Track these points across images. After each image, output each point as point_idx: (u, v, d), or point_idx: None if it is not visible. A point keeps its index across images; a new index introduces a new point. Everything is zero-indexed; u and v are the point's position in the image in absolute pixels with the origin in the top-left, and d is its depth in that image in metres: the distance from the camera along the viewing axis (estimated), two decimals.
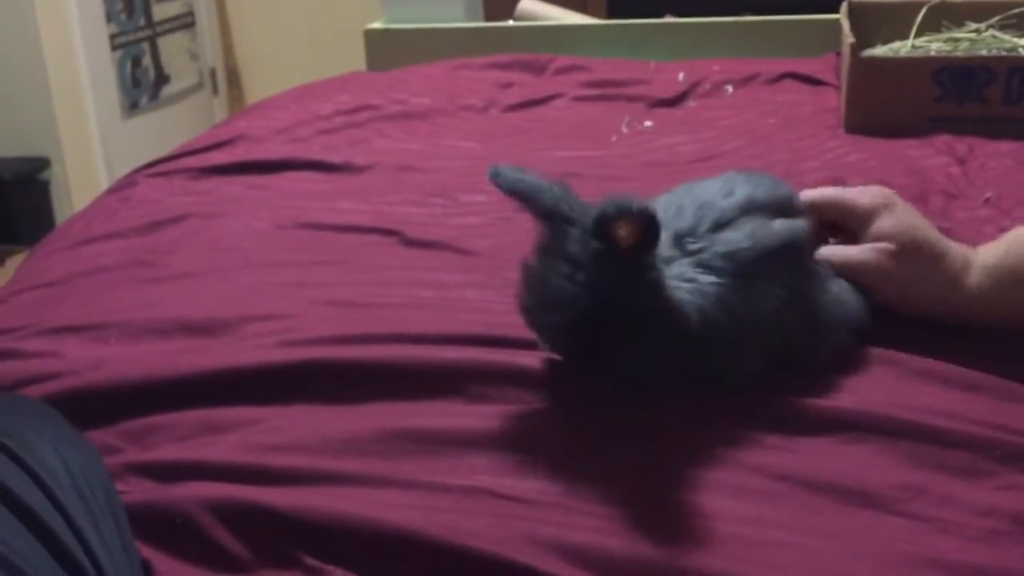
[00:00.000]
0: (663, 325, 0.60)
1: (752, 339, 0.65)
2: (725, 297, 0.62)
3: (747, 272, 0.64)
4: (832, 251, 0.75)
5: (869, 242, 0.73)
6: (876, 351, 0.71)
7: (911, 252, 0.72)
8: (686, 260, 0.64)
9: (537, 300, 0.62)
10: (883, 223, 0.73)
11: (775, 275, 0.66)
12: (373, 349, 0.72)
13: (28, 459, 0.51)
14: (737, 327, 0.63)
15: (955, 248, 0.73)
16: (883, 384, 0.68)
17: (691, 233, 0.65)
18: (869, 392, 0.67)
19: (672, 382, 0.64)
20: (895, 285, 0.72)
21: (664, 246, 0.63)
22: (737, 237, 0.65)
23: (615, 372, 0.63)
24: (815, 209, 0.76)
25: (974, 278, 0.71)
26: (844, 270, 0.73)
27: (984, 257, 0.72)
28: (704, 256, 0.64)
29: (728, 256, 0.64)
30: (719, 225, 0.66)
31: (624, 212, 0.56)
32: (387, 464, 0.61)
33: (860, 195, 0.76)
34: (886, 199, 0.75)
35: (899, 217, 0.73)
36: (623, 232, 0.57)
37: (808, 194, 0.77)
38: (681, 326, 0.60)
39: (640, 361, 0.62)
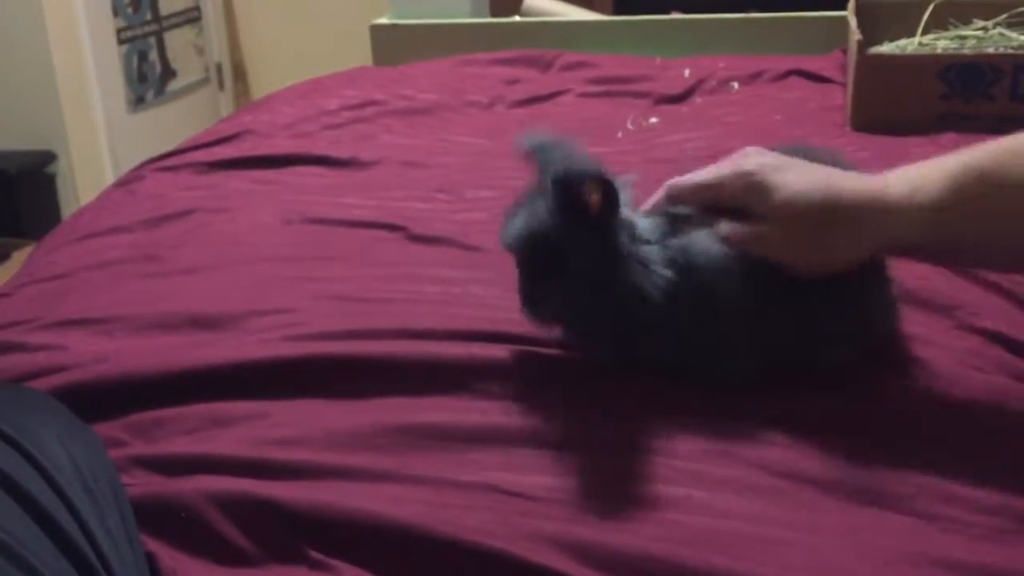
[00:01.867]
0: (610, 290, 0.65)
1: (731, 334, 0.66)
2: (697, 287, 0.65)
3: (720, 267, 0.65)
4: (740, 234, 0.66)
5: (776, 216, 0.65)
6: (880, 352, 0.71)
7: (827, 213, 0.64)
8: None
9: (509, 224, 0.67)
10: (782, 193, 0.65)
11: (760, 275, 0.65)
12: (378, 344, 0.72)
13: (33, 451, 0.52)
14: (703, 317, 0.65)
15: (868, 188, 0.65)
16: (886, 383, 0.68)
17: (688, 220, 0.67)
18: (872, 391, 0.67)
19: (644, 363, 0.67)
20: (817, 253, 0.65)
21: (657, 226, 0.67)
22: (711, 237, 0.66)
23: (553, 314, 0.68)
24: (690, 205, 0.69)
25: (906, 224, 0.64)
26: (746, 249, 0.66)
27: (916, 191, 0.64)
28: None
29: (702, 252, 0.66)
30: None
31: (580, 178, 0.62)
32: (392, 459, 0.61)
33: (731, 175, 0.68)
34: (761, 163, 0.67)
35: (793, 178, 0.65)
36: (588, 195, 0.62)
37: (670, 189, 0.71)
38: (630, 301, 0.64)
39: (577, 315, 0.67)
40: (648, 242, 0.66)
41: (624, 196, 0.65)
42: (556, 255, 0.65)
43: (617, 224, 0.64)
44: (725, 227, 0.67)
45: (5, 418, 0.53)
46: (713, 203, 0.68)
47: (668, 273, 0.64)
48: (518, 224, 0.66)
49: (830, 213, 0.64)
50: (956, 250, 0.67)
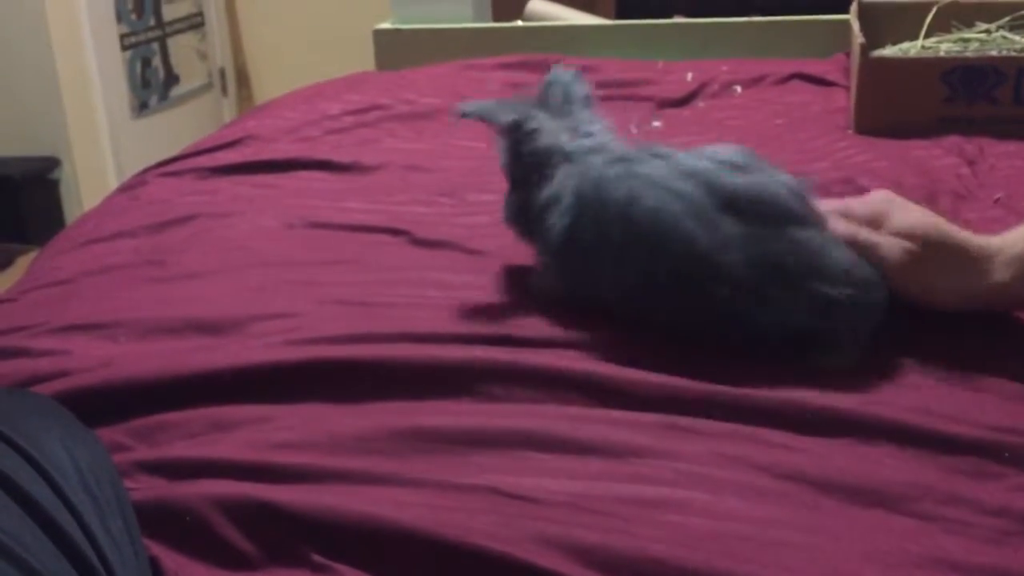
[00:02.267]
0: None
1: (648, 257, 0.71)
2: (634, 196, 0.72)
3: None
4: (865, 235, 0.72)
5: (894, 234, 0.72)
6: (884, 353, 0.71)
7: (935, 247, 0.71)
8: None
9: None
10: (900, 220, 0.72)
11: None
12: (381, 348, 0.72)
13: (36, 455, 0.52)
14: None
15: (975, 239, 0.72)
16: (891, 386, 0.68)
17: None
18: (877, 393, 0.67)
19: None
20: (920, 281, 0.71)
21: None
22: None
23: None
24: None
25: (1000, 268, 0.70)
26: (869, 260, 0.72)
27: (1010, 244, 0.70)
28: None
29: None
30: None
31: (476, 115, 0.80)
32: (395, 462, 0.61)
33: (860, 203, 0.75)
34: (890, 198, 0.75)
35: (913, 213, 0.73)
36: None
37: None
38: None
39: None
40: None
41: (546, 135, 0.79)
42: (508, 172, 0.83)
43: (543, 149, 0.78)
44: (846, 225, 0.72)
45: (8, 422, 0.53)
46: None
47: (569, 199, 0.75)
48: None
49: (935, 249, 0.70)
50: None
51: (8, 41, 2.50)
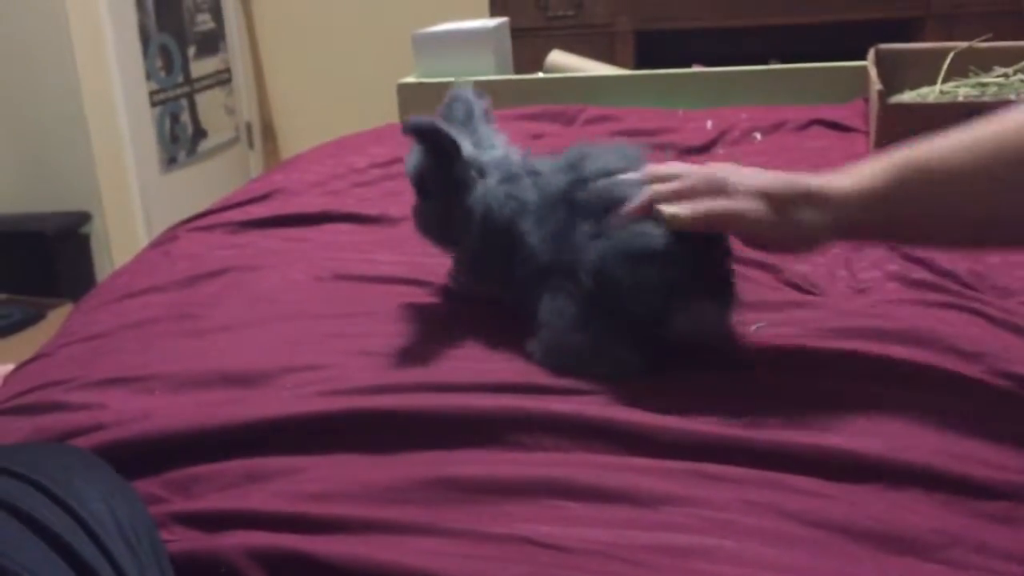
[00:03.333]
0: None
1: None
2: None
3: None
4: (706, 206, 0.76)
5: (753, 195, 0.77)
6: (911, 397, 0.71)
7: (787, 195, 0.77)
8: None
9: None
10: (748, 181, 0.78)
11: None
12: (411, 398, 0.73)
13: (76, 506, 0.53)
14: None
15: (817, 180, 0.78)
16: (920, 431, 0.68)
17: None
18: (906, 439, 0.67)
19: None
20: (785, 227, 0.76)
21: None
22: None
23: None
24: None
25: (854, 203, 0.76)
26: (722, 223, 0.77)
27: (859, 180, 0.76)
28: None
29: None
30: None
31: (417, 128, 0.85)
32: (427, 512, 0.61)
33: (698, 168, 0.81)
34: (731, 168, 0.80)
35: (759, 174, 0.79)
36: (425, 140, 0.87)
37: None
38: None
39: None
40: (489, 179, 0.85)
41: (467, 145, 0.87)
42: (422, 181, 0.90)
43: (459, 162, 0.86)
44: (678, 208, 0.76)
45: (49, 474, 0.55)
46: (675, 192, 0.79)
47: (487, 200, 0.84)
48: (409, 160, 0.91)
49: (804, 196, 0.76)
50: (900, 229, 0.78)
51: (42, 101, 2.57)
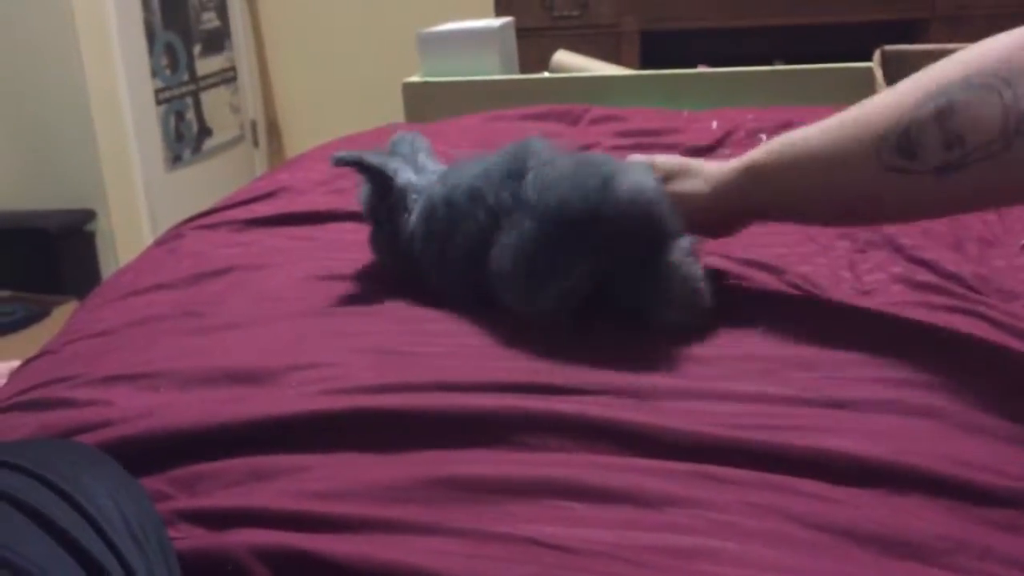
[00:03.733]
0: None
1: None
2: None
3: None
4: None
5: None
6: (918, 401, 0.71)
7: (679, 171, 0.89)
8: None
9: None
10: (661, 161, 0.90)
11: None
12: (416, 397, 0.73)
13: (84, 503, 0.53)
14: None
15: (701, 163, 0.90)
16: (926, 435, 0.68)
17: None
18: (911, 443, 0.67)
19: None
20: (673, 196, 0.86)
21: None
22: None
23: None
24: None
25: (712, 184, 0.87)
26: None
27: (734, 163, 0.86)
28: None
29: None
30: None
31: (348, 161, 0.96)
32: (431, 511, 0.62)
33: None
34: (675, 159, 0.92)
35: (670, 158, 0.91)
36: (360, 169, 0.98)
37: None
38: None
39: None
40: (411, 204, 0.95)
41: (407, 174, 0.96)
42: (372, 211, 0.98)
43: (395, 189, 0.95)
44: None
45: (57, 470, 0.55)
46: None
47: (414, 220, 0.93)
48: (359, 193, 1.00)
49: (684, 169, 0.89)
50: (770, 202, 0.85)
51: (47, 96, 2.57)
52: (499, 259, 0.86)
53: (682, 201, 0.85)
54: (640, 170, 0.84)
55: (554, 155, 0.88)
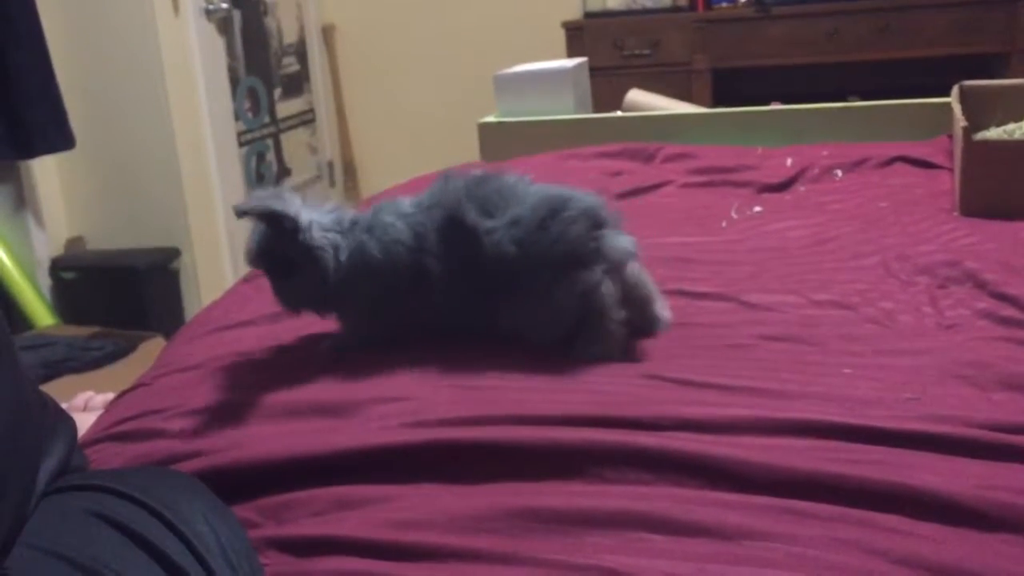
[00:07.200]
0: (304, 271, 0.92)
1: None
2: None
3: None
4: None
5: None
6: (1002, 440, 0.70)
7: None
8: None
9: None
10: None
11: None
12: (494, 430, 0.74)
13: (183, 528, 0.56)
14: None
15: None
16: (1009, 473, 0.67)
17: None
18: (995, 479, 0.66)
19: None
20: None
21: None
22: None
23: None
24: None
25: None
26: None
27: None
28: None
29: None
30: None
31: (247, 210, 0.90)
32: (511, 542, 0.63)
33: None
34: None
35: None
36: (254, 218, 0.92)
37: None
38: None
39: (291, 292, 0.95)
40: (324, 243, 0.91)
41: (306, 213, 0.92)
42: (269, 261, 0.94)
43: (303, 231, 0.90)
44: None
45: (158, 497, 0.57)
46: None
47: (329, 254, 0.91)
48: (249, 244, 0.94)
49: None
50: None
51: (136, 140, 2.67)
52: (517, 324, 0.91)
53: None
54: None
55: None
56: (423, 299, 0.92)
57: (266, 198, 0.90)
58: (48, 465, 0.59)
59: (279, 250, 0.92)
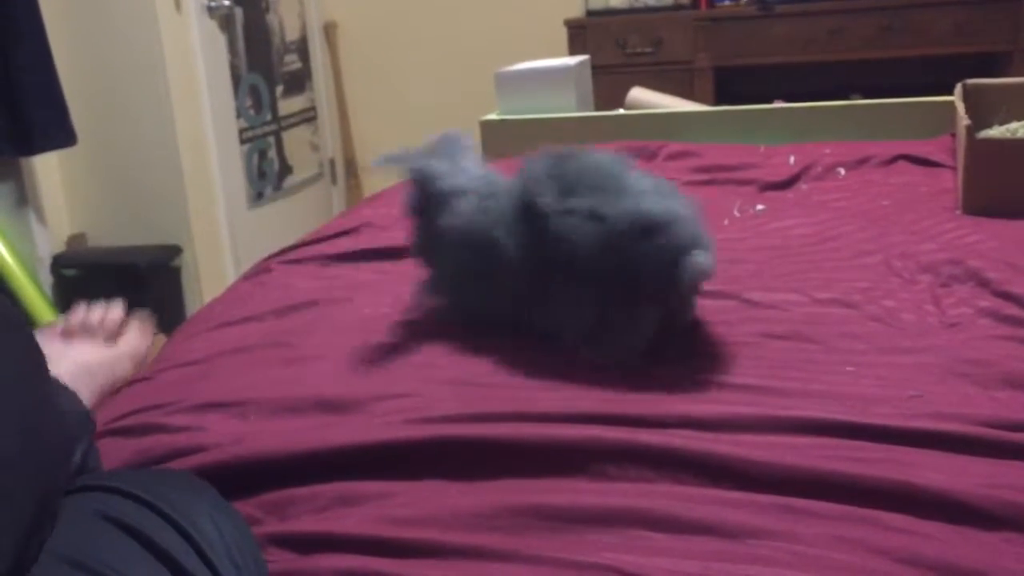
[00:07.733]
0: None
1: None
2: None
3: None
4: None
5: None
6: (1007, 438, 0.70)
7: None
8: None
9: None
10: None
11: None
12: (498, 427, 0.74)
13: (187, 526, 0.56)
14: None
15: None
16: (1015, 472, 0.67)
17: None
18: (1001, 478, 0.66)
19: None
20: None
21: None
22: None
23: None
24: None
25: None
26: None
27: None
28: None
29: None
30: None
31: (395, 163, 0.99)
32: (514, 539, 0.63)
33: None
34: None
35: None
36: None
37: None
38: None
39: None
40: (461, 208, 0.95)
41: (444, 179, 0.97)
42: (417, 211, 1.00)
43: (437, 191, 0.96)
44: None
45: (163, 496, 0.57)
46: None
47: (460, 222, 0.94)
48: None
49: None
50: None
51: (137, 138, 2.67)
52: (562, 321, 0.89)
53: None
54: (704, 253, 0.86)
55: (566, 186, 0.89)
56: (498, 282, 0.93)
57: (413, 156, 0.99)
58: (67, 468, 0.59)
59: (412, 200, 1.00)
